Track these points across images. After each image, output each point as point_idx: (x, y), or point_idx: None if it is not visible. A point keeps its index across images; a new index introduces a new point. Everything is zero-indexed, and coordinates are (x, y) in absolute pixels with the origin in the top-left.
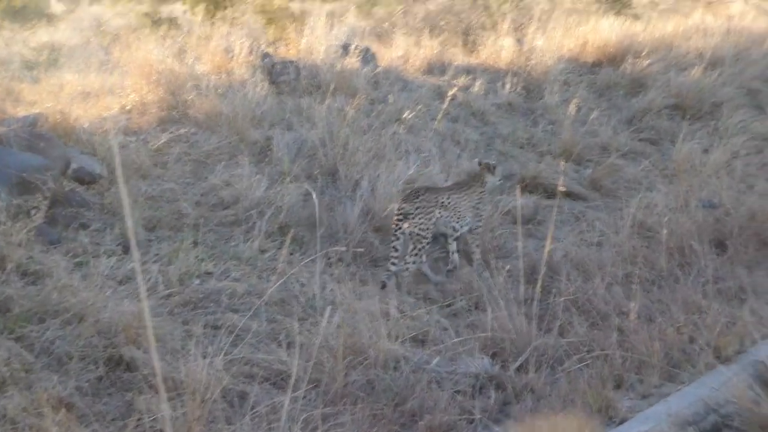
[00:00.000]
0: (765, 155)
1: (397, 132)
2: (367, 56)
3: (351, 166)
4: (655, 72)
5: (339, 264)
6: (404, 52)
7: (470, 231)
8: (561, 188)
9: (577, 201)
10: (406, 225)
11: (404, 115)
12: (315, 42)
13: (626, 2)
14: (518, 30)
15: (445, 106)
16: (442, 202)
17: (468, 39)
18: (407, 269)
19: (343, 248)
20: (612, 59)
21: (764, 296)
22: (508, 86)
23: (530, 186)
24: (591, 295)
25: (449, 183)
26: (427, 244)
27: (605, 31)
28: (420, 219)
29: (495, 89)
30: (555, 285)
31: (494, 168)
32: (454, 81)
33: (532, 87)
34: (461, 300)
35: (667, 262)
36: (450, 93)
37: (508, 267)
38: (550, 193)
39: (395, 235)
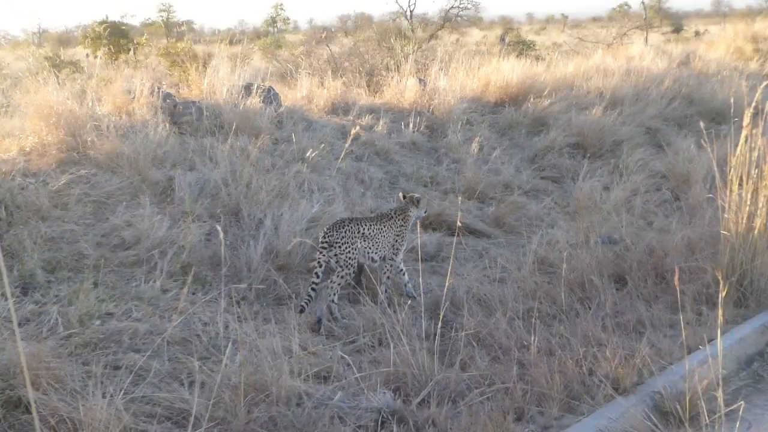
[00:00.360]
0: (663, 192)
1: (300, 171)
2: (270, 96)
3: (254, 205)
4: (556, 111)
5: (242, 302)
6: (308, 92)
7: (382, 259)
8: (459, 224)
9: (480, 238)
10: (331, 253)
11: (308, 154)
12: (217, 82)
13: (529, 44)
14: (421, 71)
15: (348, 145)
16: (363, 233)
17: (372, 80)
18: (332, 300)
19: (246, 287)
20: (514, 99)
21: (662, 329)
22: (411, 125)
23: (434, 223)
24: (493, 329)
25: (372, 215)
26: (351, 274)
27: (507, 71)
28: (344, 248)
29: (399, 128)
30: (458, 320)
31: (418, 201)
32: (358, 120)
33: (435, 126)
34: (365, 336)
35: (567, 297)
36: (353, 132)
37: (409, 302)
38: (453, 231)
39: (318, 262)
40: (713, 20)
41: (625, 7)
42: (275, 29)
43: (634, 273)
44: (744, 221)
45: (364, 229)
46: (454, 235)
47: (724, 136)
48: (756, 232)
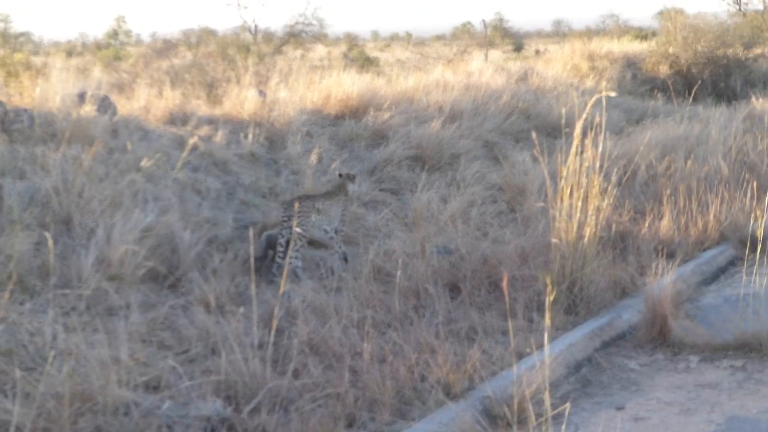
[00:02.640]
0: (499, 204)
1: (135, 180)
2: (105, 105)
3: (86, 214)
4: (396, 124)
5: (72, 312)
6: (145, 102)
7: (336, 232)
8: (297, 230)
9: (319, 248)
10: (294, 224)
11: (143, 164)
12: (50, 90)
13: (372, 60)
14: (262, 83)
15: (185, 155)
16: (318, 208)
17: (212, 91)
18: (291, 264)
19: (76, 296)
20: (354, 112)
21: (494, 335)
22: (251, 136)
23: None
24: (327, 337)
25: (321, 192)
26: (305, 244)
27: (348, 84)
28: (302, 220)
29: (238, 140)
30: (292, 329)
31: (354, 177)
32: (197, 131)
33: (275, 138)
34: (197, 346)
35: (402, 305)
36: (191, 142)
37: (241, 309)
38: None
39: (282, 234)
40: (553, 40)
41: (468, 25)
42: (117, 42)
43: (468, 281)
44: (574, 230)
45: (318, 204)
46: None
47: (559, 149)
48: (585, 240)
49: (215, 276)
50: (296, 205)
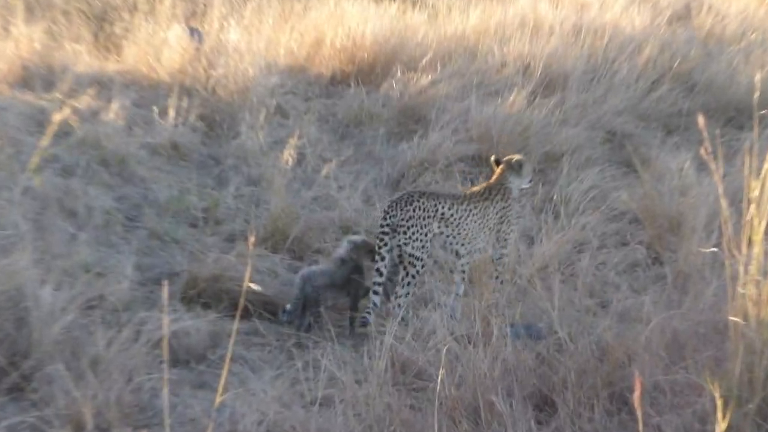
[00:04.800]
0: (633, 248)
1: None
2: None
3: None
4: (442, 97)
5: None
6: None
7: (493, 260)
8: (255, 288)
9: (294, 321)
10: (394, 241)
11: None
12: None
13: None
14: (195, 15)
15: (48, 144)
16: (443, 214)
17: (102, 29)
18: (398, 304)
19: None
20: (367, 72)
21: None
22: (172, 113)
23: (206, 295)
24: None
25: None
26: (423, 267)
27: (355, 22)
28: (414, 234)
29: (149, 119)
30: None
31: (521, 165)
32: (72, 101)
33: (218, 117)
34: None
35: None
36: (58, 119)
37: None
38: (245, 309)
39: (380, 253)
40: None
41: None
42: None
43: (571, 392)
44: None
45: (444, 208)
46: (244, 317)
47: (747, 150)
48: None
49: (97, 372)
50: (407, 206)
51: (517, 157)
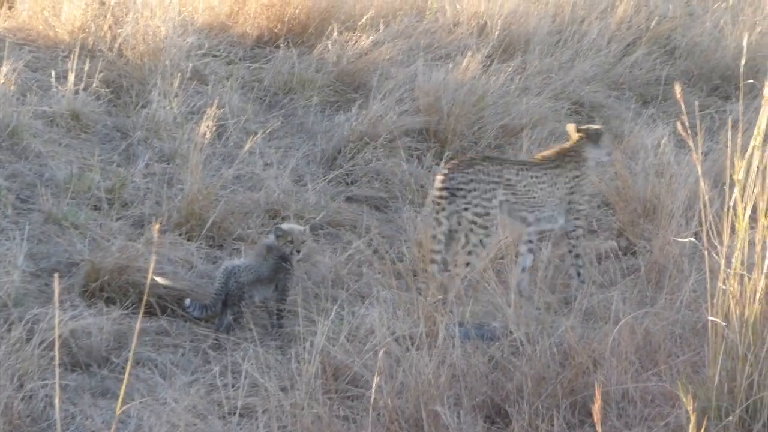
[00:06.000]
0: (602, 237)
1: None
2: None
3: None
4: (385, 61)
5: None
6: None
7: (566, 234)
8: (162, 282)
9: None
10: (453, 207)
11: None
12: None
13: None
14: None
15: None
16: (508, 180)
17: None
18: (456, 273)
19: None
20: (299, 32)
21: None
22: (72, 78)
23: (110, 288)
24: None
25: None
26: (487, 236)
27: None
28: (475, 199)
29: (45, 84)
30: None
31: (599, 135)
32: None
33: (126, 82)
34: None
35: None
36: None
37: None
38: (149, 305)
39: (437, 219)
40: None
41: None
42: None
43: (528, 401)
44: (759, 298)
45: (509, 173)
46: (153, 314)
47: (730, 123)
48: None
49: None
50: (468, 169)
51: (596, 126)
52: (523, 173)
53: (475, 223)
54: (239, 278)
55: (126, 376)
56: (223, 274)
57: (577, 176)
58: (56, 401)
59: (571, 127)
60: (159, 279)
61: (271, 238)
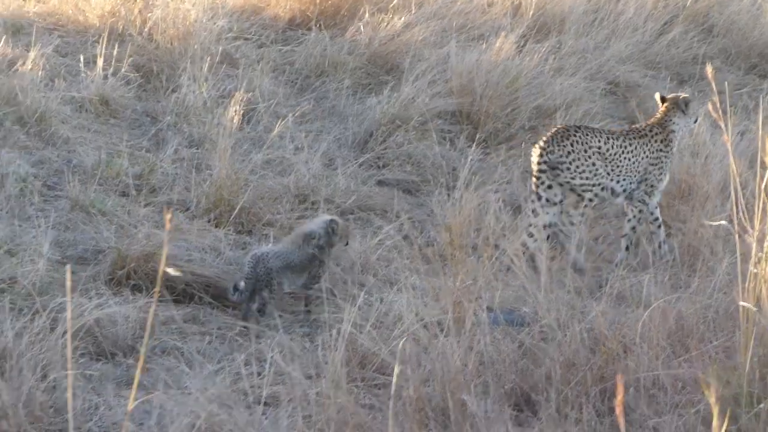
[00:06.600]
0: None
1: None
2: None
3: None
4: (418, 42)
5: None
6: None
7: (635, 199)
8: (173, 273)
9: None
10: (559, 179)
11: None
12: None
13: None
14: None
15: None
16: (599, 149)
17: None
18: (572, 223)
19: None
20: (331, 14)
21: None
22: (101, 62)
23: (136, 276)
24: None
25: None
26: (591, 201)
27: None
28: (580, 167)
29: (74, 69)
30: None
31: (686, 104)
32: None
33: (155, 67)
34: None
35: None
36: None
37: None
38: (180, 292)
39: (537, 193)
40: None
41: None
42: None
43: (557, 389)
44: None
45: (600, 142)
46: (182, 302)
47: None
48: None
49: (3, 367)
50: (564, 141)
51: (684, 94)
52: (612, 141)
53: (584, 184)
54: (268, 264)
55: (140, 363)
56: (252, 259)
57: (661, 150)
58: (68, 394)
59: (657, 96)
60: (170, 270)
61: (311, 226)
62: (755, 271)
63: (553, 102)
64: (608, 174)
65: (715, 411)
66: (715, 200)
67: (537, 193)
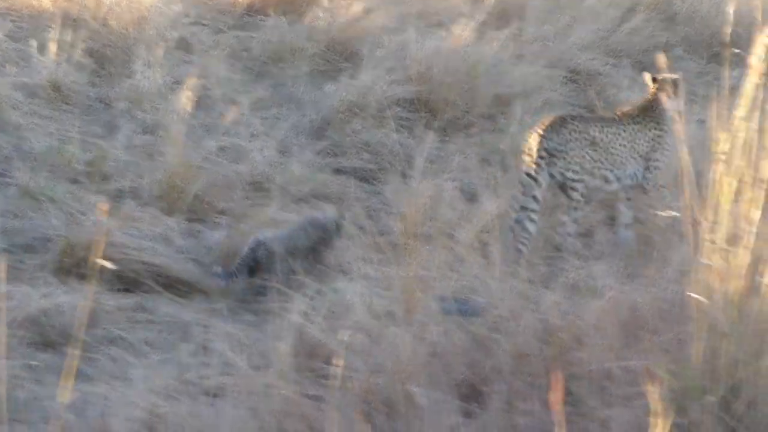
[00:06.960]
0: (587, 209)
1: None
2: None
3: None
4: (377, 28)
5: None
6: None
7: (644, 188)
8: (109, 266)
9: (191, 298)
10: (555, 168)
11: None
12: None
13: None
14: None
15: None
16: (593, 137)
17: None
18: (568, 233)
19: None
20: (289, 1)
21: None
22: (54, 48)
23: (84, 265)
24: None
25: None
26: (585, 190)
27: None
28: (574, 158)
29: (26, 54)
30: None
31: (676, 84)
32: None
33: (109, 52)
34: None
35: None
36: None
37: None
38: (131, 281)
39: (535, 178)
40: None
41: None
42: None
43: (506, 381)
44: (743, 274)
45: (594, 130)
46: (133, 291)
47: (717, 92)
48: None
49: None
50: (562, 130)
51: (674, 75)
52: (606, 129)
53: (575, 180)
54: (270, 248)
55: (75, 353)
56: (253, 242)
57: (657, 127)
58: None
59: (647, 77)
60: (104, 263)
61: (320, 213)
62: (707, 260)
63: (513, 89)
64: (602, 163)
65: (658, 406)
66: (671, 189)
67: (536, 179)
